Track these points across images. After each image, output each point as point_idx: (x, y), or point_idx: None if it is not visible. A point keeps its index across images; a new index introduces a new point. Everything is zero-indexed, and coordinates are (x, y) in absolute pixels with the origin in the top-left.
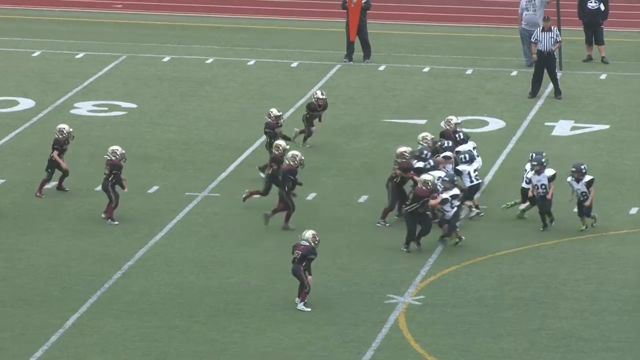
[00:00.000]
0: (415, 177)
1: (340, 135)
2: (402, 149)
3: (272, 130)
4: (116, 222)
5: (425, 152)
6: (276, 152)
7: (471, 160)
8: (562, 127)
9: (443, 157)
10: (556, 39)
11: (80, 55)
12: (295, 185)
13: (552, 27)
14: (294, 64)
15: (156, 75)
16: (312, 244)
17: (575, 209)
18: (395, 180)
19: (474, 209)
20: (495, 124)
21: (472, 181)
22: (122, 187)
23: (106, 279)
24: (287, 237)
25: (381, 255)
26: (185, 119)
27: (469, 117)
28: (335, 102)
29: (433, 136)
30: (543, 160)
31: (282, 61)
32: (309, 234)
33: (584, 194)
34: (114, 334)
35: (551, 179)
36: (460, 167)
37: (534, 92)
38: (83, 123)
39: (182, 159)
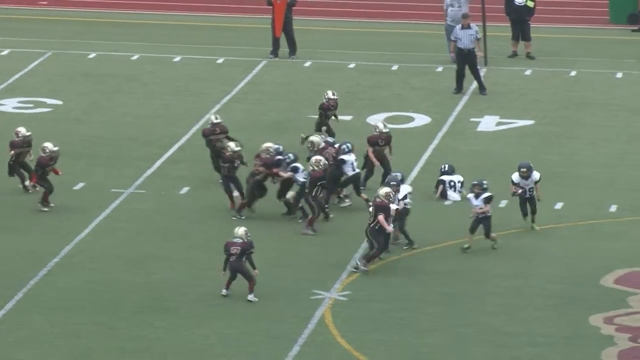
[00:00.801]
0: (282, 173)
1: (266, 132)
2: (266, 144)
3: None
4: (52, 205)
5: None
6: (226, 154)
7: (353, 150)
8: (488, 123)
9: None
10: (476, 36)
11: (5, 52)
12: (324, 190)
13: (472, 25)
14: (220, 60)
15: (82, 71)
16: (246, 239)
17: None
18: (258, 177)
19: (346, 200)
20: (420, 119)
21: (353, 170)
22: (56, 172)
23: (31, 276)
24: (212, 233)
25: (307, 251)
26: (110, 115)
27: (395, 113)
28: (260, 99)
29: (277, 146)
30: (531, 165)
31: (207, 57)
32: (241, 230)
33: (480, 208)
34: (40, 331)
35: (537, 181)
36: (345, 157)
37: (459, 88)
38: (8, 120)
39: (107, 155)
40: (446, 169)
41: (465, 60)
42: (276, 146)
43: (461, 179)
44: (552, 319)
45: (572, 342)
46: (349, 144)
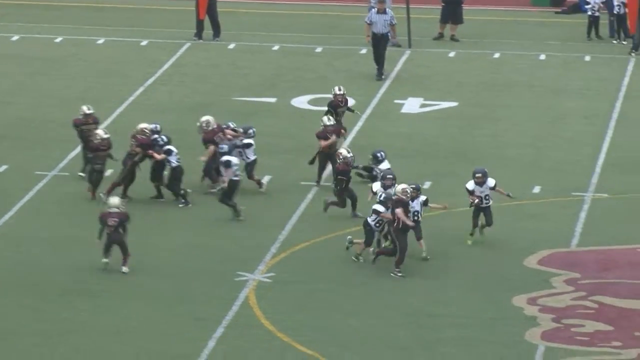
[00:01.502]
0: (156, 155)
1: (190, 114)
2: (142, 125)
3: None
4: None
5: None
6: (94, 141)
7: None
8: (411, 105)
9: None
10: (390, 22)
11: None
12: (349, 182)
13: (388, 10)
14: (144, 43)
15: (5, 54)
16: (122, 209)
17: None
18: (135, 158)
19: (263, 184)
20: None
21: (254, 155)
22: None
23: None
24: (135, 216)
25: (231, 233)
26: (34, 97)
27: (319, 95)
28: (184, 81)
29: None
30: (486, 170)
31: (131, 40)
32: (116, 200)
33: (416, 213)
34: None
35: (493, 188)
36: (251, 141)
37: (379, 73)
38: None
39: (31, 137)
40: (254, 133)
41: (379, 44)
42: (152, 126)
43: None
44: (475, 300)
45: (496, 322)
46: (254, 129)
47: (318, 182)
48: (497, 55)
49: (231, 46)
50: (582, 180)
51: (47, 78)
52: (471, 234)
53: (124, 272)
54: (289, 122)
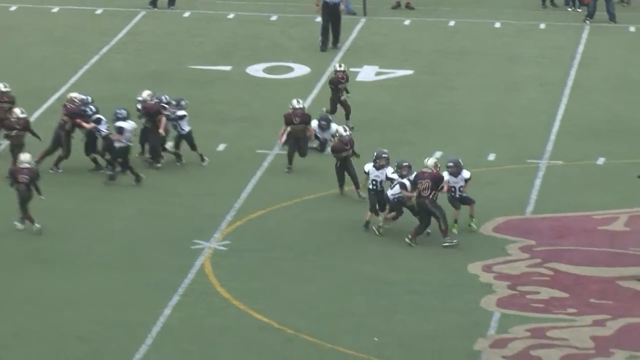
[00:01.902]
0: (84, 124)
1: (145, 83)
2: (72, 94)
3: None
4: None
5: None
6: (10, 119)
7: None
8: (367, 73)
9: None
10: None
11: None
12: (347, 159)
13: None
14: (99, 11)
15: None
16: (33, 165)
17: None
18: (66, 127)
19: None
20: (300, 69)
21: (189, 126)
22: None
23: None
24: (86, 185)
25: (186, 201)
26: None
27: (274, 64)
28: (140, 49)
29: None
30: (459, 160)
31: (86, 8)
32: (27, 156)
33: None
34: None
35: (467, 180)
36: (184, 113)
37: (324, 45)
38: None
39: None
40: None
41: (331, 15)
42: (82, 96)
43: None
44: (431, 267)
45: (452, 290)
46: (186, 101)
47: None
48: (452, 23)
49: (186, 14)
50: (537, 147)
51: (1, 47)
52: (455, 221)
53: (17, 228)
54: (244, 90)
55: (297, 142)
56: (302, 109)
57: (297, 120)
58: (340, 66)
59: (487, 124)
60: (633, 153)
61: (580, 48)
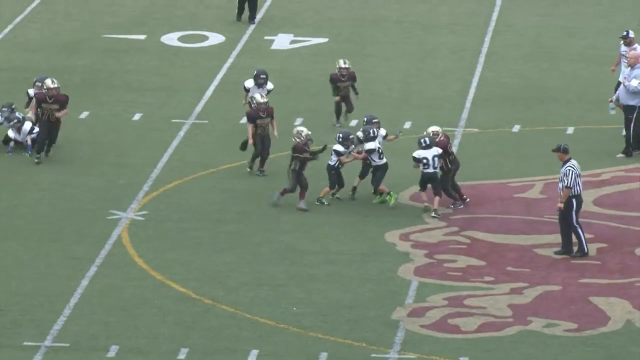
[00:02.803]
0: None
1: (60, 53)
2: None
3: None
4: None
5: None
6: None
7: None
8: (281, 41)
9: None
10: None
11: None
12: (305, 162)
13: None
14: None
15: None
16: None
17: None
18: None
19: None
20: (215, 38)
21: None
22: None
23: None
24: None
25: (103, 171)
26: None
27: (189, 32)
28: (54, 19)
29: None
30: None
31: None
32: None
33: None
34: None
35: (384, 137)
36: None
37: (239, 15)
38: None
39: None
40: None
41: None
42: None
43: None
44: (348, 236)
45: (369, 259)
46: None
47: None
48: None
49: None
50: (453, 115)
51: None
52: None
53: None
54: (160, 59)
55: (262, 141)
56: (267, 102)
57: (264, 114)
58: (344, 63)
59: (402, 92)
60: (548, 120)
61: (495, 15)
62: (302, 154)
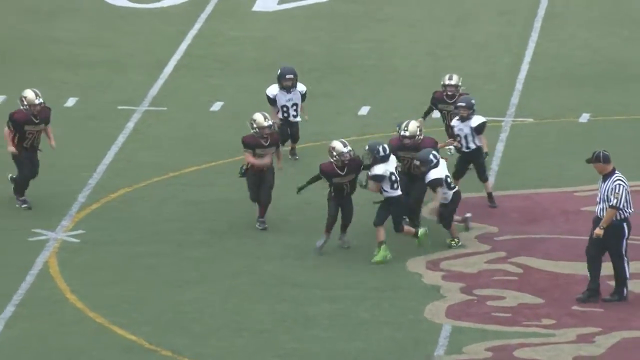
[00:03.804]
0: None
1: None
2: None
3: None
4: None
5: None
6: None
7: None
8: (267, 0)
9: None
10: None
11: None
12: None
13: None
14: None
15: None
16: None
17: None
18: None
19: None
20: None
21: None
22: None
23: None
24: None
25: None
26: None
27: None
28: None
29: None
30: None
31: None
32: None
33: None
34: None
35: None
36: None
37: None
38: None
39: None
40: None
41: None
42: None
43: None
44: (357, 264)
45: (385, 295)
46: None
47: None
48: None
49: None
50: (499, 100)
51: None
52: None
53: None
54: (102, 24)
55: (262, 180)
56: (272, 126)
57: (266, 143)
58: (450, 78)
59: (429, 69)
60: (628, 107)
61: None
62: (334, 177)
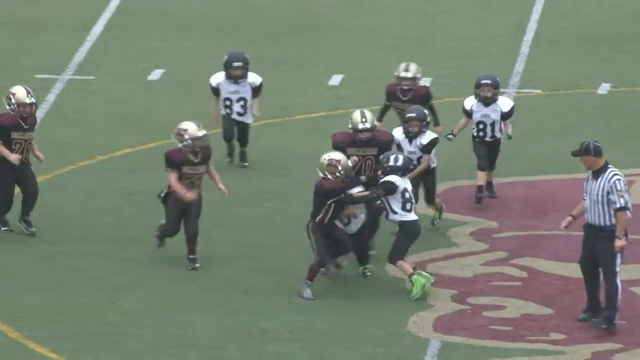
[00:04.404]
0: None
1: None
2: None
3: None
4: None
5: None
6: None
7: None
8: None
9: None
10: None
11: None
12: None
13: None
14: None
15: None
16: None
17: None
18: None
19: None
20: None
21: None
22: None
23: None
24: None
25: None
26: None
27: None
28: None
29: None
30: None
31: None
32: None
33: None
34: None
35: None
36: None
37: None
38: None
39: None
40: None
41: None
42: None
43: None
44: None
45: (361, 304)
46: None
47: None
48: None
49: None
50: (501, 67)
51: None
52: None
53: None
54: None
55: (188, 208)
56: (203, 137)
57: (195, 159)
58: (406, 70)
59: (415, 29)
60: None
61: None
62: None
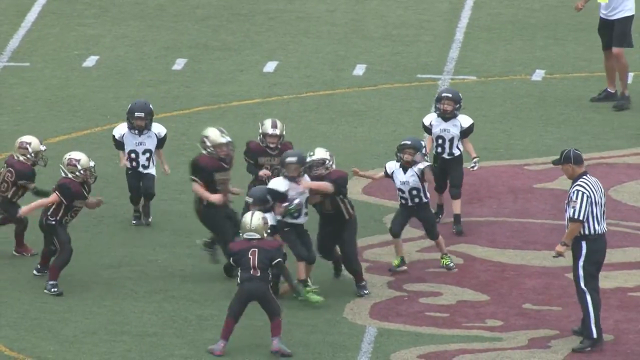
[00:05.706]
0: None
1: None
2: None
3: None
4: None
5: None
6: None
7: None
8: None
9: None
10: None
11: None
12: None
13: None
14: None
15: None
16: None
17: None
18: None
19: None
20: None
21: None
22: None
23: None
24: None
25: None
26: None
27: None
28: None
29: None
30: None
31: None
32: None
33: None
34: None
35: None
36: None
37: None
38: None
39: None
40: None
41: None
42: None
43: None
44: None
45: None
46: None
47: None
48: None
49: None
50: (435, 54)
51: None
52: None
53: None
54: None
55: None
56: (230, 144)
57: (227, 166)
58: (274, 126)
59: (348, 15)
60: (590, 62)
61: None
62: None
